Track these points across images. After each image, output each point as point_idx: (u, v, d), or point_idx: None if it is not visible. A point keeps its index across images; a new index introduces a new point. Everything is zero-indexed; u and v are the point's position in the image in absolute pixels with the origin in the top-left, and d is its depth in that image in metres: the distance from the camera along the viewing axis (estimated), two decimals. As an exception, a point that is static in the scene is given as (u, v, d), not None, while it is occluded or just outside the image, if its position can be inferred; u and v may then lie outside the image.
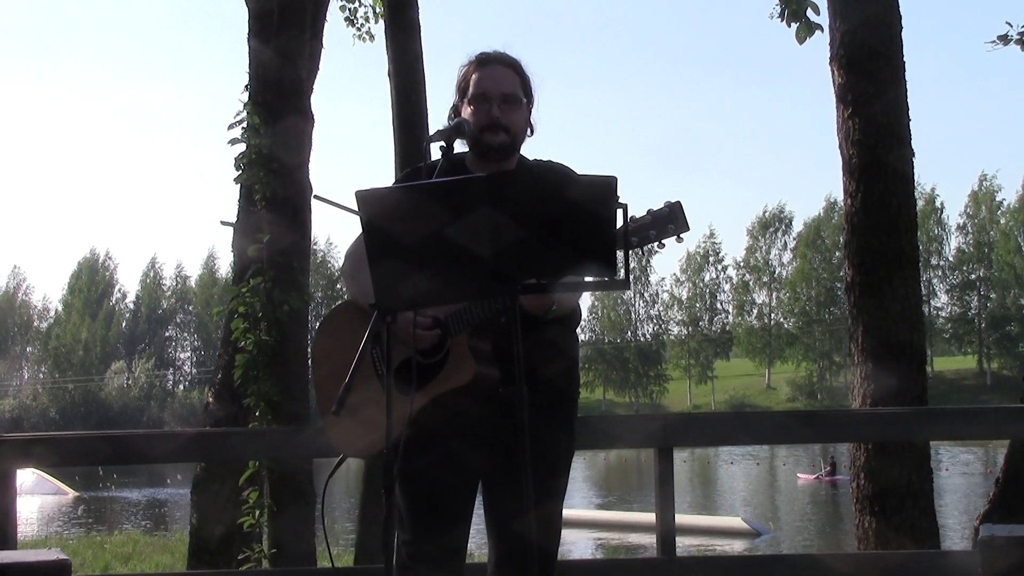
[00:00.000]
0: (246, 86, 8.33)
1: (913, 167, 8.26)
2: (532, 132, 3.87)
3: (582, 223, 3.04)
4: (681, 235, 3.36)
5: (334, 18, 13.29)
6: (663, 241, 3.35)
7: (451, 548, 3.76)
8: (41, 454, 5.87)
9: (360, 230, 3.59)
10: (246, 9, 8.56)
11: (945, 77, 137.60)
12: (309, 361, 7.51)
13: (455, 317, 3.62)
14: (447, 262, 3.07)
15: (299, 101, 8.41)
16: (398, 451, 3.23)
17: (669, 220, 3.34)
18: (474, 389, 3.62)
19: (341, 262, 4.02)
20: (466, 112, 3.78)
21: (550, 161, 3.85)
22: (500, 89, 3.76)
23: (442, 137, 3.63)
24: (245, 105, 8.24)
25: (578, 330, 4.02)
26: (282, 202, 8.13)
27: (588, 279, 3.18)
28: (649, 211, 3.36)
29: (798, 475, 43.62)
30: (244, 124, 8.20)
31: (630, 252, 3.27)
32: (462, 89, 3.82)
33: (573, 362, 3.91)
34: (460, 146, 3.76)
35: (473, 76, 3.80)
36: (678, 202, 3.35)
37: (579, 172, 3.23)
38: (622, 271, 3.11)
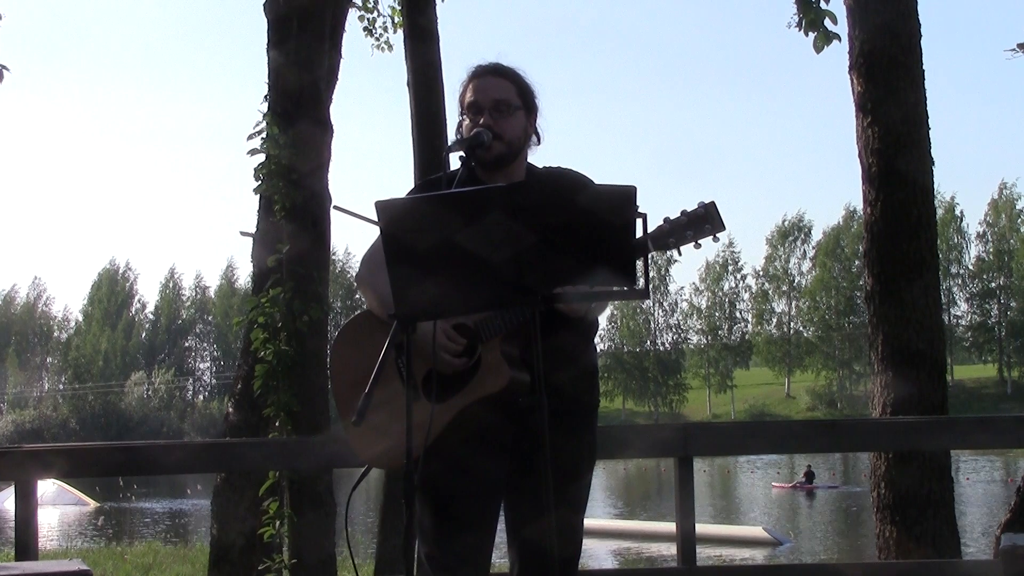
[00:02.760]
0: (265, 96, 8.36)
1: (932, 175, 8.25)
2: (539, 141, 3.88)
3: (601, 232, 3.05)
4: (717, 235, 3.39)
5: (352, 28, 13.32)
6: (699, 241, 3.38)
7: (471, 557, 3.74)
8: (62, 465, 5.90)
9: (377, 237, 3.60)
10: (265, 20, 8.59)
11: (964, 85, 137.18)
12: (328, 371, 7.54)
13: (485, 323, 3.63)
14: (466, 272, 3.07)
15: (318, 111, 8.42)
16: (418, 462, 3.22)
17: (705, 220, 3.39)
18: (506, 395, 3.61)
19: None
20: (465, 124, 3.81)
21: (560, 167, 3.87)
22: (490, 96, 3.78)
23: (461, 147, 3.65)
24: (264, 115, 8.26)
25: (597, 339, 4.02)
26: (301, 212, 8.14)
27: (607, 288, 3.18)
28: (683, 212, 3.39)
29: (772, 484, 42.59)
30: (263, 134, 8.22)
31: (649, 261, 3.27)
32: (461, 103, 3.86)
33: (591, 369, 3.91)
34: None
35: (468, 88, 3.84)
36: (712, 202, 3.39)
37: (597, 181, 3.24)
38: (641, 280, 3.11)
